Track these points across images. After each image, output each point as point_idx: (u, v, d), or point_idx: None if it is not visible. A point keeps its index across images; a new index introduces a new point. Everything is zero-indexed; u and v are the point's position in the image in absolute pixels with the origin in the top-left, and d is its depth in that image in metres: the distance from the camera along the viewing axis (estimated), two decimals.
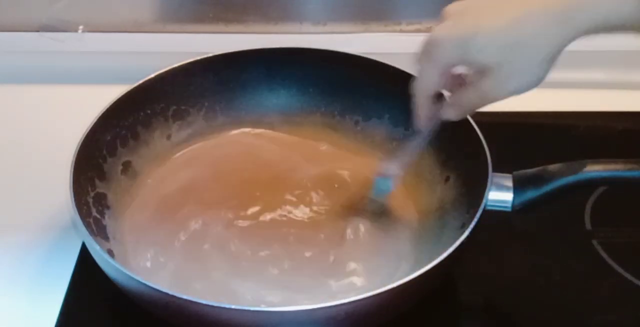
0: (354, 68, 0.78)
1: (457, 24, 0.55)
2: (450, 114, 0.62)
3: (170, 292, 0.56)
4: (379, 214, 0.72)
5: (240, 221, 0.72)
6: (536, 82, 0.55)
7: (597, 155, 0.63)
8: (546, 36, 0.52)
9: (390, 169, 0.68)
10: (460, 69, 0.59)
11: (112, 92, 0.73)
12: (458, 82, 0.60)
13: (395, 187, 0.69)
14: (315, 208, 0.73)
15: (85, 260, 0.69)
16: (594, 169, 0.62)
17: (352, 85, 0.80)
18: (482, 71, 0.55)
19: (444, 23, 0.56)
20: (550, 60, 0.54)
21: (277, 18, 0.94)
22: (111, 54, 0.93)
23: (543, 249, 0.73)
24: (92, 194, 0.69)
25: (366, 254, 0.69)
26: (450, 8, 0.56)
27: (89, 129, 0.69)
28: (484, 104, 0.59)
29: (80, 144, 0.67)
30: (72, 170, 0.65)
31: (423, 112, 0.62)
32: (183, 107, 0.80)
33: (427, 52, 0.57)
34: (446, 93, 0.63)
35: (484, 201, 0.62)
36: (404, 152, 0.68)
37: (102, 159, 0.72)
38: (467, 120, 0.69)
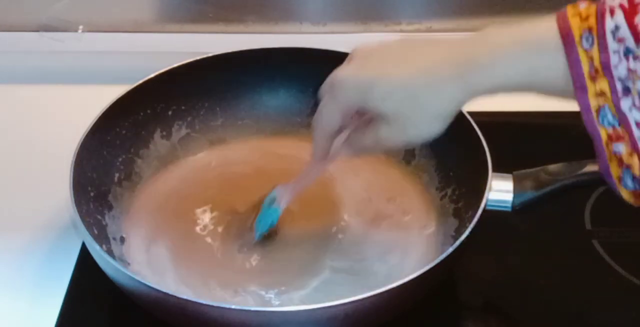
0: None
1: (361, 68, 0.54)
2: (346, 151, 0.61)
3: (170, 292, 0.57)
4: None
5: (239, 223, 0.72)
6: (431, 135, 0.54)
7: None
8: (443, 93, 0.52)
9: (282, 198, 0.67)
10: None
11: (112, 92, 0.73)
12: (361, 120, 0.59)
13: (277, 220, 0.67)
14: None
15: (85, 260, 0.69)
16: (594, 169, 0.62)
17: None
18: (380, 117, 0.55)
19: (350, 64, 0.56)
20: (447, 117, 0.53)
21: (277, 18, 0.94)
22: (111, 54, 0.93)
23: (543, 249, 0.73)
24: (92, 194, 0.69)
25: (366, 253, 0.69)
26: (359, 50, 0.56)
27: (89, 129, 0.69)
28: (379, 149, 0.58)
29: (80, 144, 0.67)
30: (72, 170, 0.65)
31: (319, 146, 0.60)
32: (183, 107, 0.80)
33: (330, 90, 0.56)
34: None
35: (484, 200, 0.62)
36: (297, 182, 0.67)
37: (102, 159, 0.72)
38: (467, 120, 0.69)
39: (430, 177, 0.76)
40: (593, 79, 0.48)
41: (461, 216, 0.69)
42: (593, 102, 0.48)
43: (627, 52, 0.46)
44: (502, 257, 0.72)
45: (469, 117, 0.69)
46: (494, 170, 0.64)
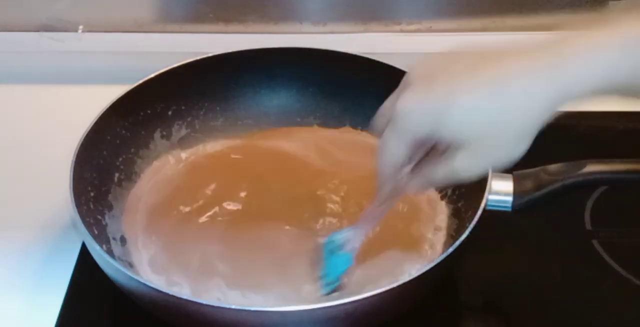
0: (354, 68, 0.78)
1: (428, 92, 0.47)
2: (413, 188, 0.54)
3: (170, 292, 0.57)
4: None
5: (242, 221, 0.72)
6: (516, 158, 0.48)
7: (597, 155, 0.63)
8: (533, 100, 0.45)
9: (349, 242, 0.62)
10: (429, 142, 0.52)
11: (112, 92, 0.73)
12: (425, 152, 0.53)
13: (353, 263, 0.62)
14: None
15: (85, 260, 0.69)
16: (594, 169, 0.62)
17: (352, 85, 0.80)
18: (455, 146, 0.48)
19: (412, 90, 0.48)
20: (536, 130, 0.47)
21: (277, 18, 0.94)
22: (111, 54, 0.93)
23: (543, 249, 0.73)
24: (92, 194, 0.69)
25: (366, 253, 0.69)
26: (418, 71, 0.49)
27: (89, 129, 0.69)
28: (451, 182, 0.52)
29: (80, 144, 0.67)
30: (72, 170, 0.65)
31: (384, 186, 0.54)
32: (183, 107, 0.80)
33: (394, 123, 0.49)
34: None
35: (484, 200, 0.62)
36: (362, 225, 0.62)
37: (102, 159, 0.72)
38: None
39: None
40: None
41: (461, 216, 0.69)
42: None
43: None
44: (502, 257, 0.72)
45: None
46: (494, 170, 0.64)
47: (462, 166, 0.49)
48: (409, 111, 0.47)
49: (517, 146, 0.47)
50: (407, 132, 0.48)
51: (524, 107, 0.45)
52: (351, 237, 0.62)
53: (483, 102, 0.45)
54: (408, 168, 0.53)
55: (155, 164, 0.77)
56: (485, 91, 0.45)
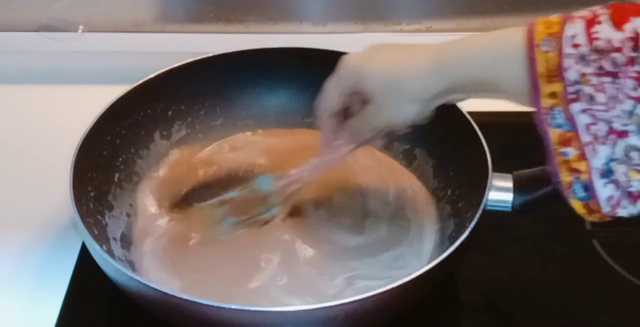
0: None
1: (362, 55, 0.61)
2: (345, 138, 0.65)
3: (170, 292, 0.56)
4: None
5: (241, 220, 0.72)
6: (410, 118, 0.59)
7: None
8: (419, 80, 0.57)
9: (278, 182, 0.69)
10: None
11: (112, 92, 0.73)
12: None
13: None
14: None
15: (85, 260, 0.69)
16: None
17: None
18: (368, 98, 0.60)
19: (355, 52, 0.62)
20: (421, 103, 0.58)
21: (277, 18, 0.94)
22: (111, 54, 0.93)
23: (543, 249, 0.73)
24: (92, 194, 0.69)
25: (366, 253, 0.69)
26: (372, 43, 0.62)
27: (89, 129, 0.69)
28: (368, 131, 0.63)
29: (80, 144, 0.67)
30: (72, 170, 0.65)
31: (324, 130, 0.65)
32: (183, 107, 0.80)
33: (335, 72, 0.62)
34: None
35: (484, 201, 0.62)
36: (298, 172, 0.69)
37: (102, 159, 0.72)
38: (467, 120, 0.69)
39: (430, 177, 0.76)
40: (548, 79, 0.51)
41: (461, 216, 0.69)
42: (546, 102, 0.51)
43: (581, 57, 0.49)
44: (502, 257, 0.72)
45: (469, 117, 0.69)
46: (494, 170, 0.64)
47: (370, 115, 0.61)
48: (344, 63, 0.61)
49: (408, 109, 0.58)
50: (338, 78, 0.62)
51: (406, 83, 0.57)
52: (280, 179, 0.69)
53: (384, 69, 0.59)
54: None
55: (156, 163, 0.77)
56: (391, 62, 0.59)
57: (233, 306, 0.56)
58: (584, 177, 0.51)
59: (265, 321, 0.57)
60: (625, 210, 0.52)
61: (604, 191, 0.51)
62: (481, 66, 0.54)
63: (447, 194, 0.73)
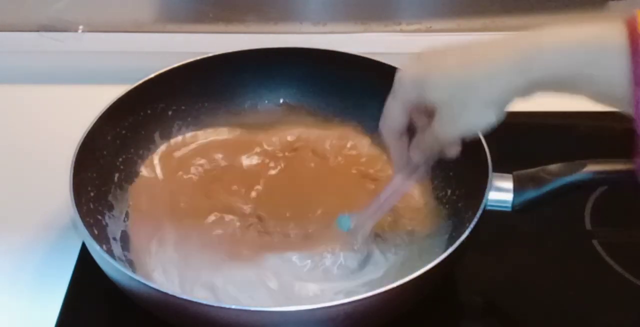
0: (354, 68, 0.78)
1: (420, 64, 0.56)
2: (414, 155, 0.61)
3: (170, 292, 0.57)
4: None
5: (240, 221, 0.72)
6: (484, 125, 0.55)
7: (597, 155, 0.63)
8: (497, 79, 0.52)
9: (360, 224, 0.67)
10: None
11: (112, 92, 0.73)
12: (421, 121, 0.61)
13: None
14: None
15: (85, 260, 0.69)
16: (594, 169, 0.62)
17: (352, 85, 0.80)
18: (436, 110, 0.56)
19: (408, 65, 0.58)
20: (500, 105, 0.54)
21: (277, 18, 0.94)
22: (111, 54, 0.93)
23: (543, 249, 0.73)
24: (92, 194, 0.69)
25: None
26: (425, 52, 0.57)
27: (89, 129, 0.69)
28: (438, 146, 0.59)
29: (80, 144, 0.67)
30: (72, 170, 0.65)
31: (394, 152, 0.62)
32: (183, 107, 0.80)
33: (393, 90, 0.58)
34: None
35: (484, 201, 0.62)
36: (379, 202, 0.66)
37: (102, 159, 0.72)
38: None
39: (430, 177, 0.76)
40: None
41: (461, 216, 0.69)
42: None
43: None
44: (502, 257, 0.72)
45: None
46: (494, 170, 0.64)
47: (438, 128, 0.56)
48: (401, 78, 0.57)
49: (485, 115, 0.54)
50: (399, 96, 0.57)
51: (483, 85, 0.53)
52: (360, 220, 0.67)
53: (453, 74, 0.54)
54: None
55: (156, 164, 0.77)
56: (458, 66, 0.54)
57: (233, 306, 0.56)
58: None
59: (265, 321, 0.57)
60: None
61: None
62: (575, 62, 0.50)
63: (447, 194, 0.73)
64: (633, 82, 0.48)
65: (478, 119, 0.55)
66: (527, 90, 0.52)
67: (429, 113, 0.57)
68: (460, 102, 0.54)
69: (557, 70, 0.51)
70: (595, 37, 0.50)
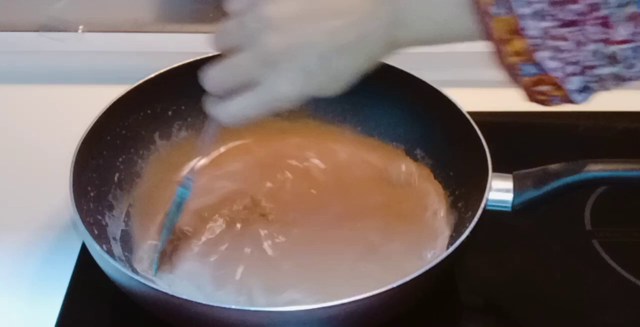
0: None
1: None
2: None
3: (170, 292, 0.56)
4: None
5: (239, 221, 0.72)
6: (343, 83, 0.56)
7: (597, 155, 0.63)
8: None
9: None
10: None
11: (112, 92, 0.73)
12: None
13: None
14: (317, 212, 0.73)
15: (85, 260, 0.69)
16: (594, 169, 0.62)
17: (351, 85, 0.79)
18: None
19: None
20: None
21: None
22: (111, 54, 0.93)
23: (543, 249, 0.73)
24: (92, 194, 0.69)
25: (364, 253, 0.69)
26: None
27: (89, 129, 0.69)
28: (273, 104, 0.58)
29: (80, 144, 0.67)
30: (72, 170, 0.65)
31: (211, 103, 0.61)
32: (183, 107, 0.80)
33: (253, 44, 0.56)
34: None
35: (484, 200, 0.62)
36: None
37: (102, 159, 0.72)
38: (467, 120, 0.69)
39: (430, 177, 0.76)
40: (508, 41, 0.48)
41: (461, 216, 0.69)
42: (511, 60, 0.49)
43: (538, 14, 0.47)
44: (502, 257, 0.72)
45: (468, 117, 0.69)
46: (494, 170, 0.64)
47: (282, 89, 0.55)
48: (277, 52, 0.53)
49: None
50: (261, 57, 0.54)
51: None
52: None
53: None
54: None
55: (156, 164, 0.77)
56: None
57: (233, 306, 0.56)
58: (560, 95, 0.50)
59: (265, 321, 0.57)
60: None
61: (579, 97, 0.50)
62: (430, 23, 0.51)
63: (447, 194, 0.73)
64: (493, 49, 0.49)
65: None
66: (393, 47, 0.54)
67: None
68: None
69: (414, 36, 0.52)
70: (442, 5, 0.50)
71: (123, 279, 0.60)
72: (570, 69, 0.48)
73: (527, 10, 0.47)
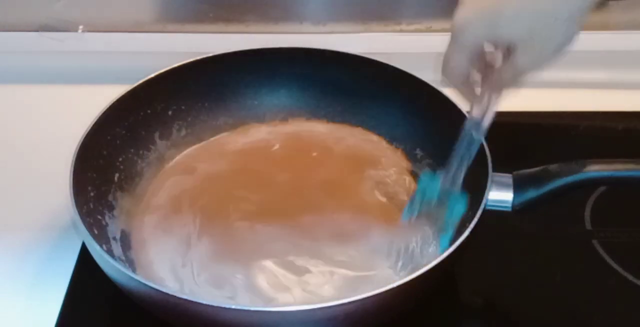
0: (354, 68, 0.78)
1: (476, 4, 0.53)
2: (490, 95, 0.58)
3: (170, 292, 0.56)
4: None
5: (240, 221, 0.72)
6: (571, 42, 0.52)
7: (597, 155, 0.63)
8: None
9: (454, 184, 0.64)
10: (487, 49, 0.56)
11: (112, 92, 0.73)
12: (485, 65, 0.57)
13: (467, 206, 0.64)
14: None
15: (85, 260, 0.69)
16: (594, 169, 0.62)
17: (352, 85, 0.80)
18: (511, 47, 0.53)
19: (464, 6, 0.53)
20: (580, 17, 0.51)
21: (277, 18, 0.94)
22: (111, 54, 0.93)
23: (543, 249, 0.73)
24: (92, 194, 0.69)
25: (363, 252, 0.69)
26: None
27: (89, 129, 0.69)
28: (520, 80, 0.56)
29: (80, 144, 0.67)
30: (72, 170, 0.65)
31: (465, 94, 0.59)
32: (183, 107, 0.80)
33: (454, 37, 0.54)
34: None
35: (484, 201, 0.62)
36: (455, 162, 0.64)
37: (102, 159, 0.72)
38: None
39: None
40: None
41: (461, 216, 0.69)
42: None
43: None
44: (502, 257, 0.72)
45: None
46: (494, 170, 0.64)
47: (524, 63, 0.53)
48: (465, 22, 0.52)
49: (568, 33, 0.52)
50: (465, 41, 0.53)
51: (557, 6, 0.50)
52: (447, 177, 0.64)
53: (525, 3, 0.50)
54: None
55: (156, 163, 0.77)
56: None
57: (233, 306, 0.56)
58: None
59: (265, 321, 0.57)
60: None
61: None
62: None
63: None
64: None
65: (565, 39, 0.52)
66: None
67: (501, 51, 0.54)
68: (542, 31, 0.51)
69: None
70: None
71: (123, 279, 0.60)
72: None
73: None
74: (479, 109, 0.59)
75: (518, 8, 0.51)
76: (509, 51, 0.54)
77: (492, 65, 0.56)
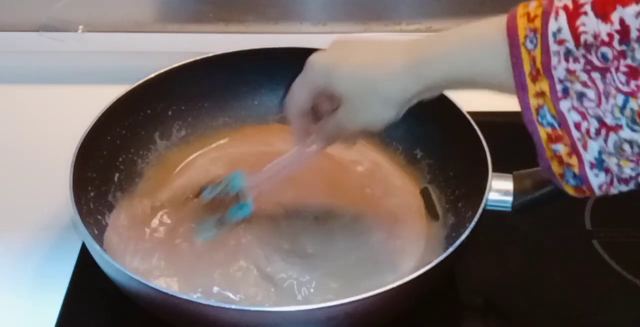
0: None
1: (331, 54, 0.59)
2: (317, 139, 0.64)
3: (170, 292, 0.57)
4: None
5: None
6: (384, 121, 0.57)
7: None
8: (395, 81, 0.55)
9: (253, 188, 0.67)
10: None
11: (112, 92, 0.73)
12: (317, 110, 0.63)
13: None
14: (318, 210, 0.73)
15: (85, 260, 0.69)
16: None
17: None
18: (341, 100, 0.58)
19: (324, 50, 0.60)
20: (399, 104, 0.56)
21: (277, 18, 0.94)
22: (111, 54, 0.93)
23: (543, 249, 0.73)
24: (92, 194, 0.69)
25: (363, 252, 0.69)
26: (336, 41, 0.60)
27: (89, 129, 0.69)
28: (340, 134, 0.61)
29: (80, 144, 0.67)
30: (72, 170, 0.65)
31: (296, 128, 0.64)
32: (183, 107, 0.80)
33: (303, 72, 0.60)
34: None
35: (484, 201, 0.62)
36: (272, 170, 0.67)
37: (102, 159, 0.72)
38: (467, 120, 0.69)
39: (430, 177, 0.76)
40: (534, 79, 0.49)
41: (461, 216, 0.69)
42: (533, 102, 0.50)
43: (567, 54, 0.47)
44: (502, 257, 0.72)
45: (468, 117, 0.69)
46: (494, 170, 0.64)
47: (343, 119, 0.59)
48: (312, 62, 0.59)
49: (383, 112, 0.56)
50: (308, 79, 0.59)
51: (383, 85, 0.55)
52: (254, 183, 0.67)
53: (358, 71, 0.56)
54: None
55: (156, 164, 0.77)
56: (363, 64, 0.56)
57: (233, 306, 0.56)
58: (575, 169, 0.50)
59: (265, 321, 0.57)
60: (617, 189, 0.50)
61: (595, 180, 0.50)
62: (460, 66, 0.52)
63: (447, 194, 0.73)
64: (517, 87, 0.50)
65: (378, 115, 0.57)
66: (426, 91, 0.55)
67: (334, 101, 0.59)
68: (362, 97, 0.56)
69: (447, 73, 0.53)
70: (475, 37, 0.52)
71: (123, 279, 0.60)
72: (590, 123, 0.48)
73: (558, 48, 0.47)
74: (300, 139, 0.64)
75: (350, 71, 0.56)
76: (339, 104, 0.58)
77: (321, 112, 0.62)
